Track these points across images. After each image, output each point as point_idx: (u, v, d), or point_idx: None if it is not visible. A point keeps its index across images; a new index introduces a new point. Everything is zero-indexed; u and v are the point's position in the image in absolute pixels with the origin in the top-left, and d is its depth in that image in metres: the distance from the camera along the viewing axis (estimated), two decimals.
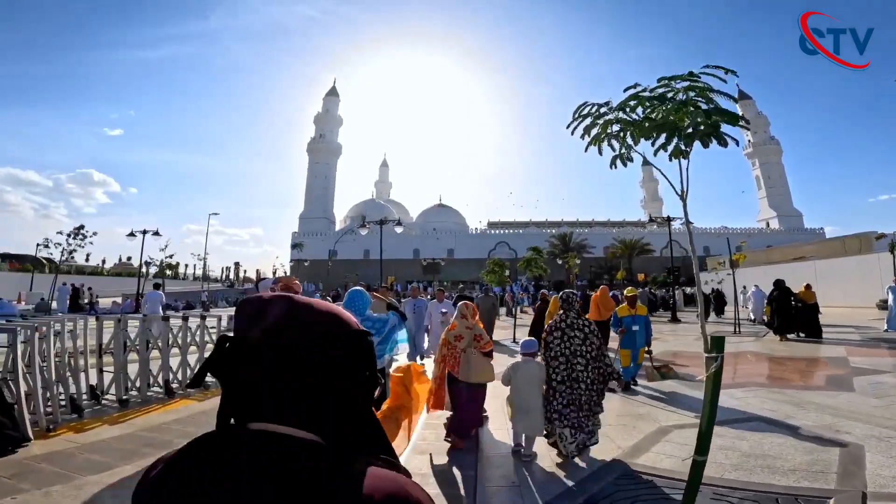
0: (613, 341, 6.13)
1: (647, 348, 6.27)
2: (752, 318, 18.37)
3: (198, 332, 6.71)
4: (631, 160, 2.94)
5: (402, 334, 3.89)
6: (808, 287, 12.48)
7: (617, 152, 2.97)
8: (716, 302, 23.40)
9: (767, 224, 72.15)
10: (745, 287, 20.98)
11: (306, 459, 0.55)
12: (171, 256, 28.42)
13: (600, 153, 2.98)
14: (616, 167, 3.03)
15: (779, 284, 12.35)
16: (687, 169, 2.53)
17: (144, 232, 25.58)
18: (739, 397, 5.63)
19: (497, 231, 72.28)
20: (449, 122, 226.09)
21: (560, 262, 44.28)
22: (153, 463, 0.59)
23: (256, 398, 0.59)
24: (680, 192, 2.61)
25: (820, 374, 7.17)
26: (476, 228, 75.72)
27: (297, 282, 3.61)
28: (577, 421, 3.76)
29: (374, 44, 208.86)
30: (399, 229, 18.78)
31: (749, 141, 75.75)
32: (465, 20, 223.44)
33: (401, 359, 5.11)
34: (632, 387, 6.17)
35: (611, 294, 9.76)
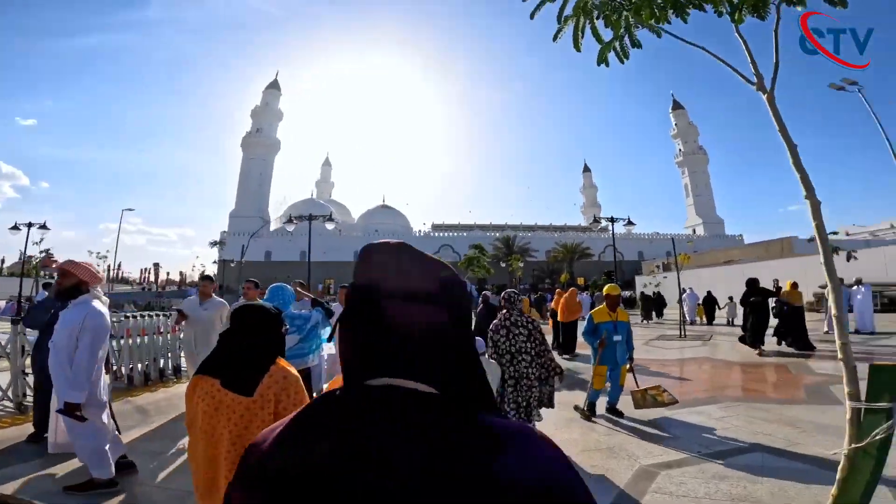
0: (582, 348, 5.03)
1: (630, 365, 4.79)
2: (687, 319, 18.92)
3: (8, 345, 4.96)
4: (637, 45, 1.84)
5: (328, 332, 3.63)
6: (794, 286, 9.77)
7: (612, 40, 1.83)
8: (656, 304, 24.24)
9: (694, 230, 76.65)
10: (686, 290, 21.53)
11: (440, 413, 0.53)
12: (45, 252, 24.41)
13: (577, 47, 1.90)
14: (608, 63, 1.92)
15: (753, 284, 9.51)
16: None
17: (30, 225, 21.90)
18: (719, 417, 4.67)
19: (441, 234, 71.49)
20: (397, 124, 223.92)
21: (503, 264, 44.03)
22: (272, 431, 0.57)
23: (373, 352, 0.57)
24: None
25: (788, 381, 6.48)
26: (420, 231, 74.58)
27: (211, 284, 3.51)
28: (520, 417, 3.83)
29: (323, 41, 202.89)
30: (330, 226, 17.03)
31: (680, 150, 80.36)
32: (422, 23, 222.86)
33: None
34: (616, 416, 4.70)
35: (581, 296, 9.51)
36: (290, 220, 16.67)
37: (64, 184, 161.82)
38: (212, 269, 58.00)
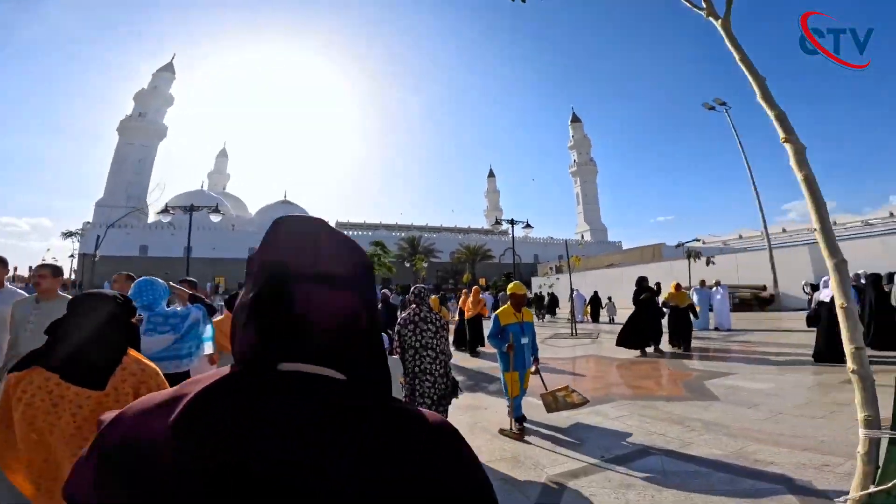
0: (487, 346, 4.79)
1: (535, 366, 4.54)
2: (574, 318, 21.14)
3: None
4: None
5: (209, 331, 3.44)
6: (678, 287, 9.88)
7: None
8: (549, 304, 26.15)
9: (582, 236, 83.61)
10: (574, 290, 23.37)
11: (355, 398, 0.53)
12: None
13: None
14: None
15: (641, 282, 9.49)
16: None
17: None
18: (615, 417, 4.76)
19: (345, 232, 68.96)
20: (304, 120, 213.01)
21: (408, 264, 43.82)
22: (169, 395, 0.52)
23: (280, 337, 0.53)
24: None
25: (668, 377, 6.97)
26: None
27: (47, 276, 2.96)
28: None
29: (232, 31, 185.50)
30: (216, 218, 15.20)
31: (574, 160, 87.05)
32: (338, 20, 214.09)
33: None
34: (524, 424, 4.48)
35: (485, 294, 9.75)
36: (165, 210, 14.50)
37: None
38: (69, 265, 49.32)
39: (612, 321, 19.01)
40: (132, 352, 1.62)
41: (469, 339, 10.43)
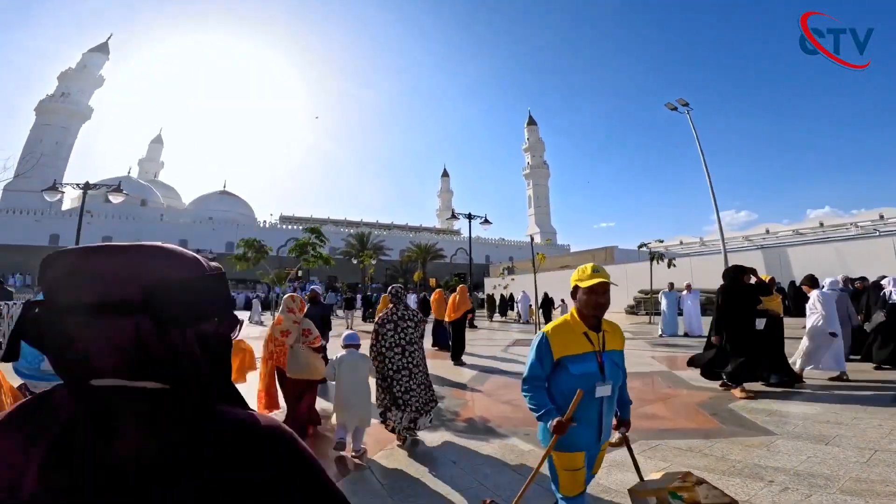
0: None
1: (621, 435, 2.17)
2: (520, 318, 21.75)
3: None
4: None
5: None
6: (771, 284, 6.20)
7: None
8: (501, 304, 25.55)
9: (532, 238, 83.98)
10: (521, 293, 22.51)
11: (172, 406, 0.53)
12: None
13: None
14: None
15: (755, 280, 5.86)
16: None
17: None
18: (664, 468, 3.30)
19: (291, 226, 65.31)
20: (249, 111, 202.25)
21: (356, 261, 41.53)
22: None
23: (87, 357, 0.53)
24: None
25: (675, 400, 5.64)
26: (265, 221, 67.24)
27: None
28: (416, 405, 3.97)
29: (174, 14, 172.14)
30: (117, 199, 12.55)
31: (528, 163, 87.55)
32: (290, 9, 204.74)
33: None
34: None
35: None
36: (53, 187, 11.65)
37: None
38: None
39: None
40: None
41: (453, 345, 8.97)
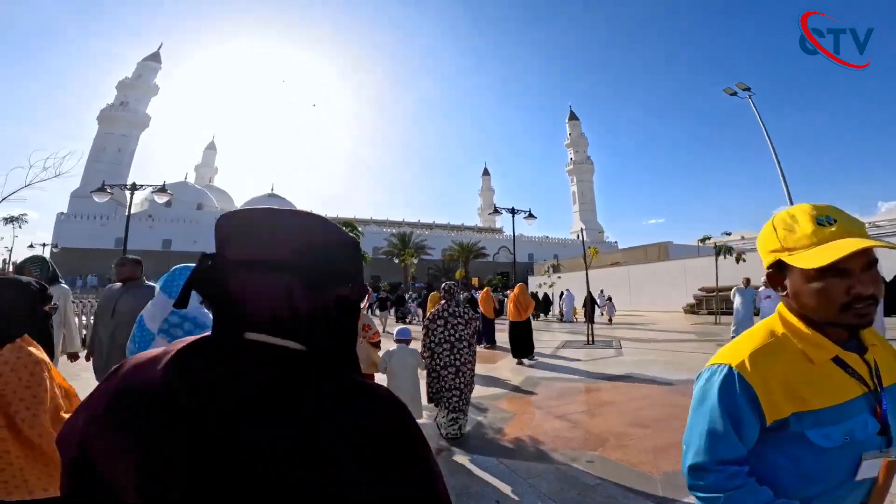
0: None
1: None
2: (562, 317, 20.64)
3: None
4: None
5: None
6: None
7: None
8: (544, 304, 24.48)
9: (577, 235, 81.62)
10: (564, 291, 21.31)
11: (306, 370, 0.56)
12: None
13: None
14: None
15: None
16: None
17: None
18: None
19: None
20: (298, 115, 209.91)
21: (397, 261, 41.49)
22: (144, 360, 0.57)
23: (245, 310, 0.57)
24: None
25: None
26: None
27: None
28: (457, 404, 4.02)
29: (224, 23, 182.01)
30: (162, 199, 12.78)
31: (571, 159, 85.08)
32: (332, 15, 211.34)
33: None
34: None
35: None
36: (102, 189, 12.01)
37: None
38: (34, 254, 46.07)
39: (611, 322, 17.92)
40: (25, 339, 1.50)
41: (521, 344, 8.64)
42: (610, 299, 18.81)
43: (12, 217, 32.47)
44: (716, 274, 15.85)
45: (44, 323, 1.70)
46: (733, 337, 9.00)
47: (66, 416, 1.48)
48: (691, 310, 21.36)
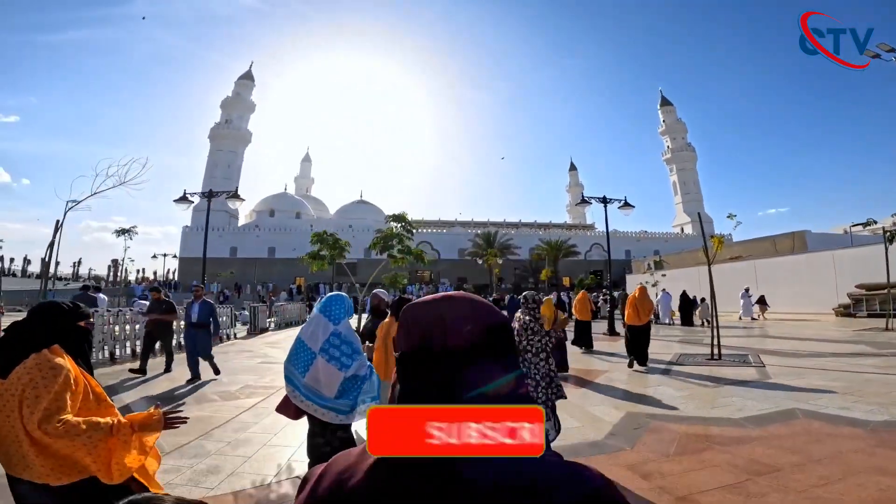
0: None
1: None
2: (659, 320, 18.18)
3: None
4: None
5: (375, 386, 2.75)
6: None
7: None
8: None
9: (682, 229, 73.74)
10: (659, 292, 18.17)
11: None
12: None
13: None
14: None
15: None
16: None
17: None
18: None
19: (420, 230, 67.09)
20: (380, 121, 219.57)
21: (480, 262, 40.07)
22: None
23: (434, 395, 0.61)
24: None
25: None
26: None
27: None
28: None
29: (306, 36, 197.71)
30: (234, 204, 12.95)
31: (668, 147, 77.49)
32: (408, 21, 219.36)
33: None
34: None
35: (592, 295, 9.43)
36: (183, 198, 12.37)
37: (45, 180, 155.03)
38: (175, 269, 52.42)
39: (704, 324, 15.76)
40: (52, 351, 1.69)
41: (640, 350, 8.23)
42: (704, 300, 15.80)
43: (124, 230, 36.06)
44: (886, 266, 12.18)
45: (83, 336, 1.83)
46: None
47: (79, 417, 1.64)
48: (846, 312, 17.11)
